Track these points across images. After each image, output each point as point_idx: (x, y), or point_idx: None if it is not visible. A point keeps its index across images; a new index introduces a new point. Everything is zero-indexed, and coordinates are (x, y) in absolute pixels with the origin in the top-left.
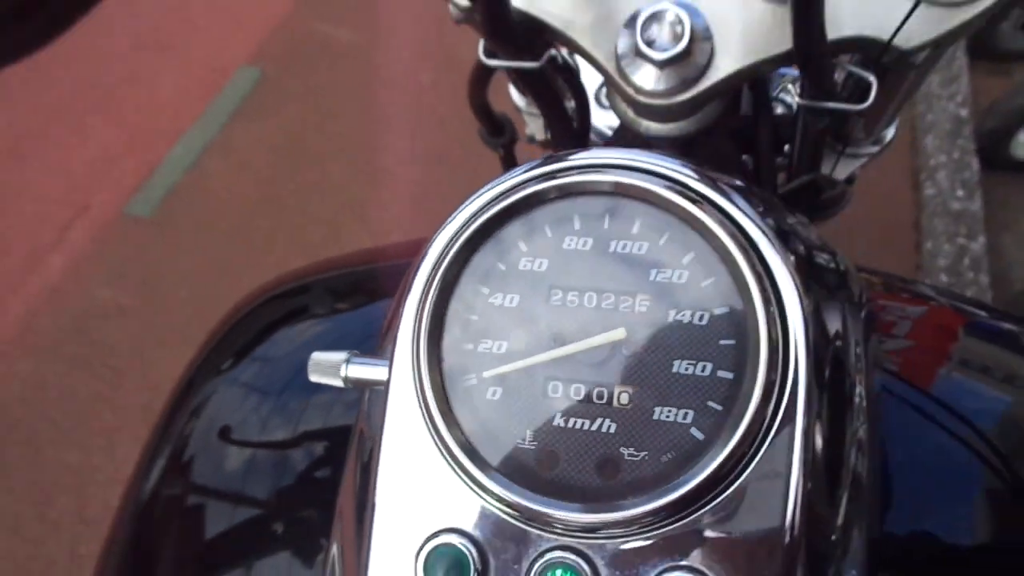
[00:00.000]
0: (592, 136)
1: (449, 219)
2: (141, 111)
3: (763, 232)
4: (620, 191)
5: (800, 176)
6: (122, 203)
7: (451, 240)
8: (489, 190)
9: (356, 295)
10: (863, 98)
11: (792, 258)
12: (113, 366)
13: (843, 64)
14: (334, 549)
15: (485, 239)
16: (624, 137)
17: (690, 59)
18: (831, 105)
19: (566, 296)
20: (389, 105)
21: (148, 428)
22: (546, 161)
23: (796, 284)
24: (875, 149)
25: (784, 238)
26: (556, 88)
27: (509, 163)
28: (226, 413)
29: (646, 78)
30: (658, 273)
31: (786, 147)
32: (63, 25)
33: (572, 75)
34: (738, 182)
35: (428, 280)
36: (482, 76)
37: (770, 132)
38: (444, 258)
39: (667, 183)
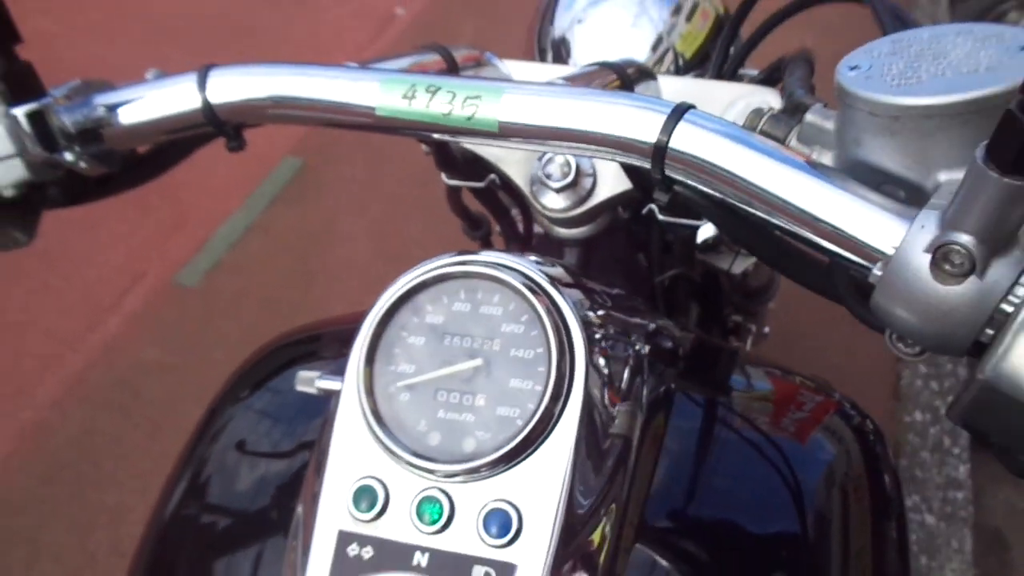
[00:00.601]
0: (542, 230)
1: (383, 292)
2: (196, 193)
3: (566, 303)
4: (483, 277)
5: (672, 269)
6: (172, 274)
7: (383, 304)
8: (408, 274)
9: (345, 342)
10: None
11: (583, 323)
12: (152, 418)
13: None
14: (299, 509)
15: (405, 303)
16: (545, 238)
17: (577, 187)
18: (681, 221)
19: (452, 339)
20: (414, 197)
21: None
22: (449, 256)
23: (582, 337)
24: None
25: (582, 307)
26: (501, 200)
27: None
28: (242, 437)
29: (548, 199)
30: (505, 326)
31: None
32: (165, 168)
33: (515, 192)
34: (550, 266)
35: (368, 329)
36: (453, 190)
37: (657, 235)
38: (377, 316)
39: (504, 269)
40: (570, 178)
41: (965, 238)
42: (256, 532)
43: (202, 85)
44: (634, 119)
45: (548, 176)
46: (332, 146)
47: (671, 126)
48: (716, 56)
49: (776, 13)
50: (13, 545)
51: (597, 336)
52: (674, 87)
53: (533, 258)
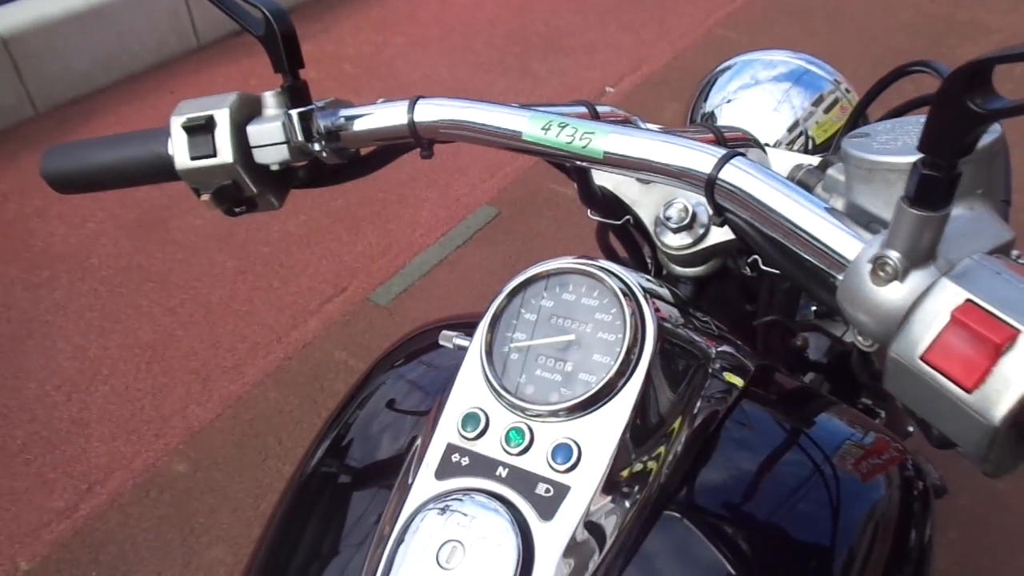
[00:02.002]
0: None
1: (513, 278)
2: (401, 226)
3: (648, 309)
4: (589, 276)
5: (770, 316)
6: (369, 292)
7: (510, 286)
8: (534, 267)
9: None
10: None
11: (659, 327)
12: (331, 408)
13: None
14: (414, 450)
15: (527, 287)
16: (666, 276)
17: (692, 231)
18: (777, 272)
19: (557, 319)
20: (587, 250)
21: None
22: (569, 257)
23: (653, 335)
24: None
25: (656, 309)
26: (635, 239)
27: None
28: (382, 402)
29: (668, 238)
30: (598, 315)
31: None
32: (370, 170)
33: (644, 231)
34: (647, 281)
35: (495, 303)
36: (601, 229)
37: (765, 285)
38: (504, 295)
39: (608, 273)
40: (685, 222)
41: (894, 254)
42: (385, 480)
43: (411, 109)
44: (696, 158)
45: (668, 219)
46: (526, 201)
47: (721, 165)
48: (837, 140)
49: (895, 108)
50: (204, 492)
51: (671, 339)
52: (785, 159)
53: (639, 274)
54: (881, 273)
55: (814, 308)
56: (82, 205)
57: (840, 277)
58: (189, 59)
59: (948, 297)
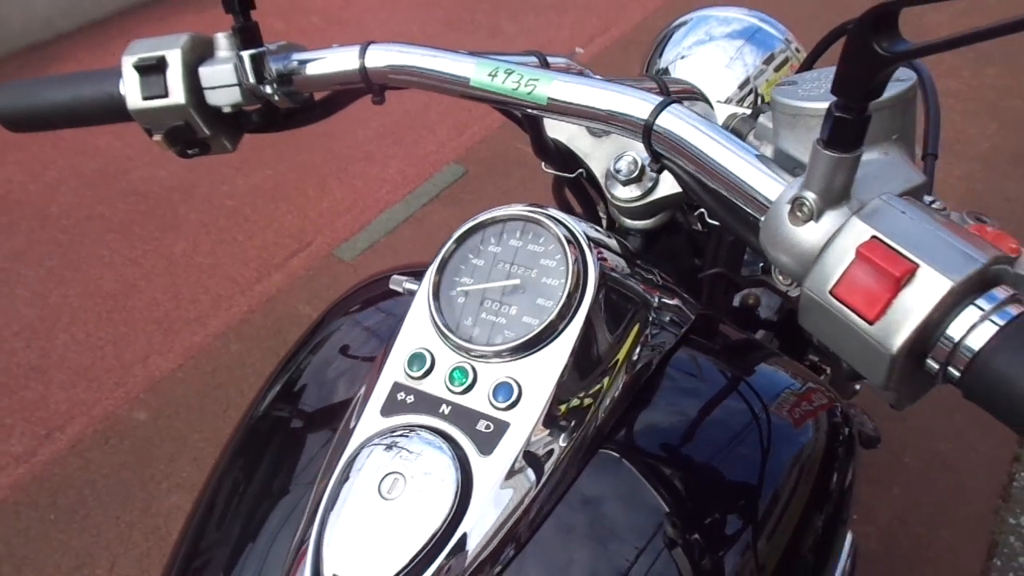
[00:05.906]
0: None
1: (463, 224)
2: (368, 182)
3: (591, 256)
4: (535, 223)
5: (715, 268)
6: (334, 247)
7: (459, 231)
8: (483, 214)
9: None
10: None
11: (600, 273)
12: None
13: None
14: (362, 390)
15: (475, 233)
16: (617, 229)
17: (641, 183)
18: (720, 224)
19: (503, 264)
20: None
21: None
22: (519, 205)
23: (595, 281)
24: None
25: (602, 258)
26: (588, 193)
27: None
28: (339, 348)
29: (617, 190)
30: (543, 260)
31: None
32: (322, 116)
33: (596, 184)
34: (593, 231)
35: (445, 248)
36: (556, 183)
37: (714, 239)
38: (453, 239)
39: (555, 221)
40: (634, 174)
41: (810, 195)
42: (333, 421)
43: (362, 54)
44: (634, 104)
45: (618, 171)
46: (493, 160)
47: (658, 112)
48: None
49: (818, 43)
50: (164, 441)
51: (613, 286)
52: (726, 112)
53: (587, 223)
54: (799, 213)
55: (761, 264)
56: (42, 153)
57: (762, 218)
58: (154, 7)
59: (856, 234)
